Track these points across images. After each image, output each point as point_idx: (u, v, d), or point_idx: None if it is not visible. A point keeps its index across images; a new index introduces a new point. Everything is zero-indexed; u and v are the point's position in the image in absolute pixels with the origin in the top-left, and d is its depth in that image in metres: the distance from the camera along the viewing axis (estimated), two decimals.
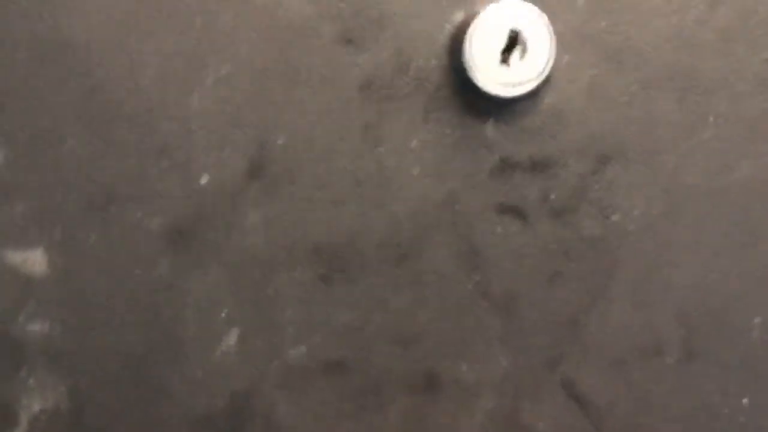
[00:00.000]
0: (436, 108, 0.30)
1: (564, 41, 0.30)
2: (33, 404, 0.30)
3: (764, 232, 0.33)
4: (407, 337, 0.31)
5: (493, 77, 0.29)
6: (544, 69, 0.29)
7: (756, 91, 0.32)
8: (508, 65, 0.29)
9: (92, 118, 0.28)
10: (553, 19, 0.30)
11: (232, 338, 0.31)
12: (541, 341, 0.32)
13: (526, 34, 0.29)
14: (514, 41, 0.29)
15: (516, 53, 0.29)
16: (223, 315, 0.30)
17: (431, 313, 0.31)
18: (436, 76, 0.30)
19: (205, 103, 0.29)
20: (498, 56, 0.29)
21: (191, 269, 0.30)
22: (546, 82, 0.30)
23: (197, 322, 0.30)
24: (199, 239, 0.30)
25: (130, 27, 0.28)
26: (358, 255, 0.31)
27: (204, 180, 0.29)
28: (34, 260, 0.29)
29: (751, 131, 0.32)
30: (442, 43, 0.30)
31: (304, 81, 0.29)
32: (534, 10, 0.29)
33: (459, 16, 0.30)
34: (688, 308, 0.33)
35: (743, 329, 0.33)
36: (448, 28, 0.30)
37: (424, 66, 0.30)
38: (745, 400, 0.33)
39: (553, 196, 0.31)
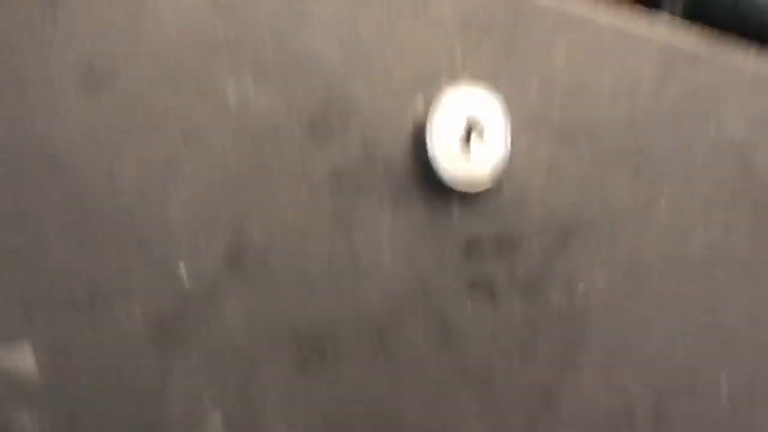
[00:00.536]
0: (404, 193, 0.33)
1: (521, 125, 0.33)
2: None
3: (725, 299, 0.36)
4: (387, 419, 0.34)
5: (454, 162, 0.32)
6: (501, 154, 0.32)
7: (707, 164, 0.35)
8: (468, 150, 0.32)
9: (74, 220, 0.31)
10: (509, 104, 0.33)
11: (216, 428, 0.33)
12: (516, 415, 0.34)
13: (484, 120, 0.32)
14: (472, 127, 0.32)
15: (474, 139, 0.32)
16: (206, 403, 0.32)
17: (409, 392, 0.34)
18: (402, 163, 0.33)
19: (182, 200, 0.32)
20: (458, 142, 0.32)
21: (174, 361, 0.32)
22: (506, 164, 0.33)
23: (181, 413, 0.32)
24: (181, 330, 0.32)
25: (108, 132, 0.31)
26: (334, 339, 0.33)
27: (183, 273, 0.32)
28: (22, 359, 0.31)
29: (705, 204, 0.35)
30: (406, 132, 0.33)
31: (276, 174, 0.32)
32: (490, 97, 0.32)
33: (421, 107, 0.33)
34: (656, 376, 0.35)
35: (712, 395, 0.36)
36: (411, 118, 0.33)
37: (390, 154, 0.33)
38: None
39: (520, 273, 0.34)
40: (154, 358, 0.32)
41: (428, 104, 0.33)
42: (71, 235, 0.31)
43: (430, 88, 0.33)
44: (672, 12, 0.36)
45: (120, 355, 0.31)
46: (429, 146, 0.31)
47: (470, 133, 0.32)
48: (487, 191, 0.33)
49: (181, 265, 0.31)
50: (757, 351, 0.36)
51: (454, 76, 0.33)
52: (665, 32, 0.35)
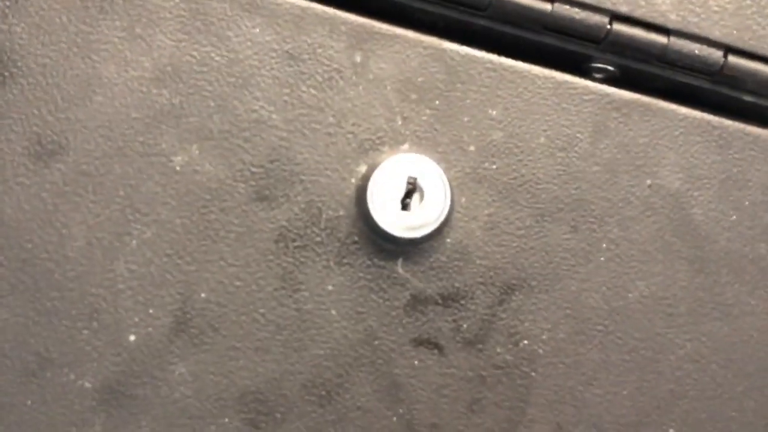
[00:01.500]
0: (348, 253, 0.38)
1: (460, 184, 0.39)
2: None
3: (667, 346, 0.41)
4: None
5: (396, 222, 0.37)
6: (441, 212, 0.37)
7: (643, 215, 0.41)
8: (409, 210, 0.37)
9: (25, 289, 0.35)
10: (449, 163, 0.38)
11: None
12: None
13: (422, 182, 0.37)
14: (412, 189, 0.38)
15: (415, 199, 0.38)
16: None
17: None
18: (345, 224, 0.38)
19: (130, 267, 0.36)
20: (398, 203, 0.37)
21: (124, 426, 0.36)
22: (447, 223, 0.38)
23: None
24: (131, 396, 0.36)
25: (57, 201, 0.36)
26: (283, 398, 0.38)
27: (132, 338, 0.36)
28: None
29: (643, 253, 0.41)
30: (348, 194, 0.38)
31: (222, 238, 0.37)
32: (428, 161, 0.38)
33: (362, 169, 0.38)
34: (603, 424, 0.40)
35: None
36: (353, 181, 0.38)
37: (333, 216, 0.38)
38: None
39: (464, 327, 0.39)
40: (104, 423, 0.36)
41: (369, 166, 0.38)
42: (21, 303, 0.35)
43: (371, 151, 0.38)
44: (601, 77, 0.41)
45: (69, 421, 0.36)
46: (371, 207, 0.37)
47: (411, 194, 0.37)
48: (430, 249, 0.38)
49: (130, 330, 0.36)
50: (702, 397, 0.41)
51: (394, 138, 0.38)
52: (598, 87, 0.41)
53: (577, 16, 0.40)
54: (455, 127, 0.38)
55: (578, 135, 0.40)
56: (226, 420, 0.37)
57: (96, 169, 0.35)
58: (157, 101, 0.36)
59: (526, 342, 0.39)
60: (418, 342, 0.38)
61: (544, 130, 0.39)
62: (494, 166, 0.39)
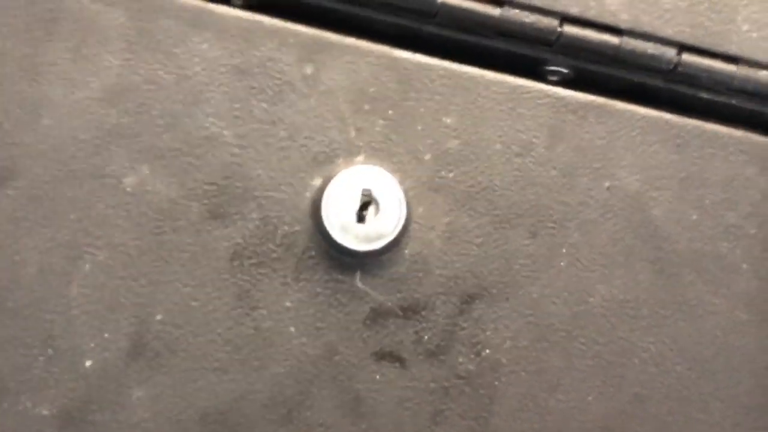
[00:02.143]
0: (306, 268, 0.40)
1: (417, 194, 0.41)
2: None
3: (630, 349, 0.43)
4: None
5: (352, 235, 0.39)
6: (397, 223, 0.40)
7: (603, 218, 0.43)
8: (365, 222, 0.40)
9: None
10: (404, 176, 0.41)
11: None
12: None
13: (377, 193, 0.39)
14: (368, 201, 0.40)
15: (371, 211, 0.40)
16: None
17: None
18: (302, 238, 0.40)
19: (84, 291, 0.38)
20: (354, 216, 0.39)
21: None
22: (404, 234, 0.40)
23: None
24: (89, 421, 0.38)
25: (9, 228, 0.37)
26: (244, 418, 0.40)
27: (88, 363, 0.38)
28: None
29: (604, 256, 0.43)
30: (303, 209, 0.40)
31: (176, 259, 0.39)
32: (382, 172, 0.40)
33: (317, 183, 0.40)
34: (569, 431, 0.43)
35: None
36: (308, 194, 0.40)
37: (289, 231, 0.40)
38: None
39: (425, 339, 0.41)
40: None
41: (324, 179, 0.40)
42: None
43: (325, 164, 0.40)
44: (556, 80, 0.44)
45: None
46: (326, 221, 0.39)
47: (366, 206, 0.39)
48: (388, 260, 0.41)
49: (86, 356, 0.38)
50: (668, 399, 0.44)
51: (348, 149, 0.40)
52: (553, 90, 0.43)
53: (527, 20, 0.42)
54: (410, 137, 0.41)
55: (534, 139, 0.42)
56: None
57: (46, 194, 0.37)
58: (105, 122, 0.38)
59: (488, 351, 0.41)
60: (380, 355, 0.40)
61: (500, 136, 0.42)
62: (451, 175, 0.41)
